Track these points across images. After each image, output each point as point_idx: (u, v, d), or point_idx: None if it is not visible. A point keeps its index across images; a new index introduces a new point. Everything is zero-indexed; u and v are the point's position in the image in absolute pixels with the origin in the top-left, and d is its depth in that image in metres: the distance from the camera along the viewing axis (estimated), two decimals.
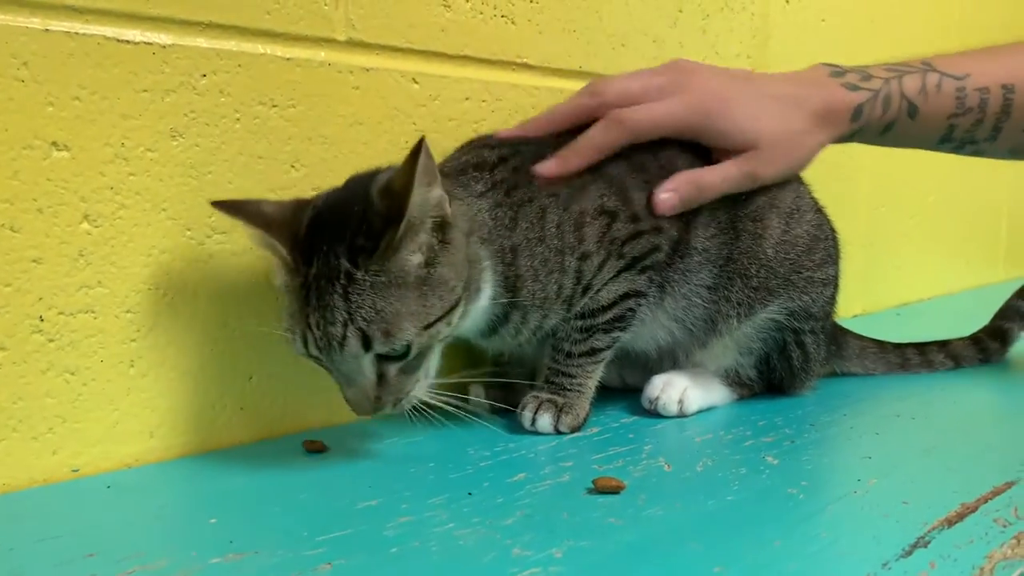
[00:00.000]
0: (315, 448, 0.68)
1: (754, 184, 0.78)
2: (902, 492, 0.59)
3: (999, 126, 0.83)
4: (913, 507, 0.57)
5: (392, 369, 0.62)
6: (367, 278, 0.59)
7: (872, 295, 1.39)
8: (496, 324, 0.71)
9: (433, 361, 0.66)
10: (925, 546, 0.51)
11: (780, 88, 0.80)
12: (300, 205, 0.64)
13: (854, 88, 0.80)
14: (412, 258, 0.61)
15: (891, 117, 0.81)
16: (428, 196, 0.60)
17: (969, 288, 1.64)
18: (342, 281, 0.59)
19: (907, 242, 1.47)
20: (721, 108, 0.76)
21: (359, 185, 0.64)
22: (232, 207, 0.63)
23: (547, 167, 0.72)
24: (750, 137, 0.76)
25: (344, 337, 0.59)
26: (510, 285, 0.70)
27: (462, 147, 0.77)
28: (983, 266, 1.73)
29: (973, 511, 0.56)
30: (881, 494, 0.59)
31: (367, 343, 0.59)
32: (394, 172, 0.61)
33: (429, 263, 0.62)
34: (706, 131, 0.76)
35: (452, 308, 0.63)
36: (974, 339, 1.00)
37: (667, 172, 0.75)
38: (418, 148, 0.58)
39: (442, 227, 0.63)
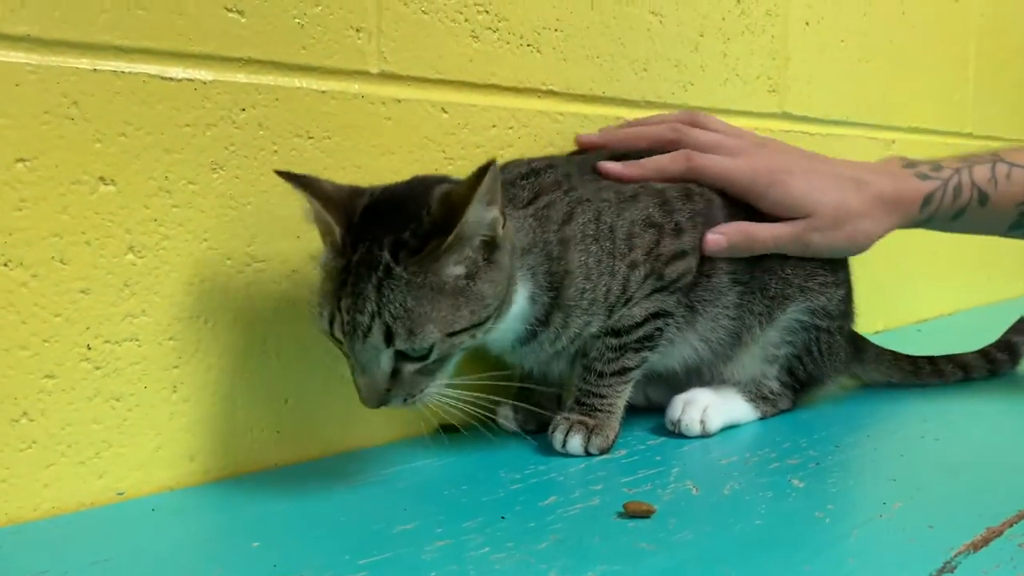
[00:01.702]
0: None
1: (805, 251, 0.82)
2: (927, 516, 0.61)
3: None
4: (938, 531, 0.58)
5: (409, 368, 0.63)
6: (404, 275, 0.60)
7: (894, 311, 1.40)
8: (536, 328, 0.72)
9: (451, 368, 0.66)
10: (951, 571, 0.52)
11: (846, 170, 0.85)
12: (357, 191, 0.66)
13: (924, 178, 0.86)
14: (454, 269, 0.62)
15: (961, 204, 0.87)
16: (484, 215, 0.62)
17: (991, 303, 1.65)
18: (380, 273, 0.60)
19: (929, 257, 1.47)
20: (783, 179, 0.81)
21: (422, 184, 0.66)
22: (296, 178, 0.64)
23: (612, 167, 0.78)
24: (806, 206, 0.81)
25: (369, 328, 0.60)
26: (556, 282, 0.71)
27: (507, 165, 0.78)
28: (1005, 281, 1.73)
29: (998, 535, 0.57)
30: (906, 518, 0.61)
31: (389, 338, 0.60)
32: (459, 184, 0.62)
33: (469, 276, 0.63)
34: (763, 198, 0.81)
35: (481, 323, 0.64)
36: (983, 352, 1.03)
37: (710, 205, 0.80)
38: (485, 168, 0.59)
39: (490, 246, 0.64)
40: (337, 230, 0.63)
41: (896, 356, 0.99)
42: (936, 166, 0.87)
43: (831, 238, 0.82)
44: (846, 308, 0.88)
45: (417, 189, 0.65)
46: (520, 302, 0.69)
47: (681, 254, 0.76)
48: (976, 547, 0.55)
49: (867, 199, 0.83)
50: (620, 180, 0.78)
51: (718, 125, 0.87)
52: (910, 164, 0.88)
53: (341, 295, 0.61)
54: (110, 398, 0.64)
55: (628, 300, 0.75)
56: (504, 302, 0.67)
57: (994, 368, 1.02)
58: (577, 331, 0.74)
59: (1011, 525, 0.59)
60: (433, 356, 0.62)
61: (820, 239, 0.81)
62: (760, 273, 0.82)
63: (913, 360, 0.99)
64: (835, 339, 0.87)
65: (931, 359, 1.00)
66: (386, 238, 0.61)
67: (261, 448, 0.72)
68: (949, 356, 1.01)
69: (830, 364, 0.87)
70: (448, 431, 0.82)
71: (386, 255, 0.61)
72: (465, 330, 0.63)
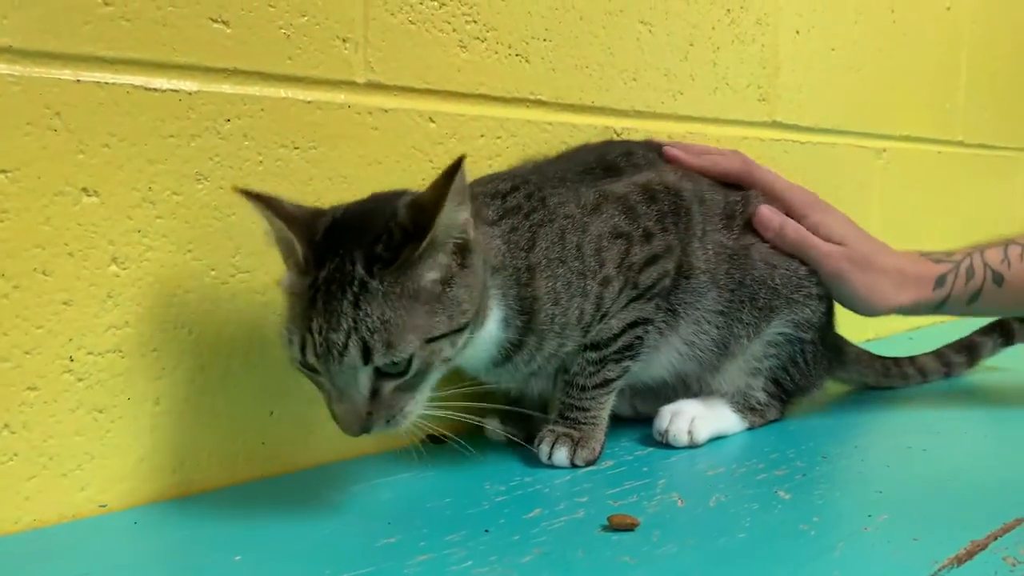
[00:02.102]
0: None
1: (834, 276, 0.86)
2: (912, 528, 0.60)
3: None
4: (923, 544, 0.57)
5: (388, 386, 0.61)
6: (380, 288, 0.59)
7: (884, 319, 1.39)
8: (509, 351, 0.71)
9: (431, 386, 0.64)
10: None
11: (878, 243, 0.90)
12: (319, 212, 0.65)
13: (938, 261, 0.91)
14: (429, 274, 0.61)
15: (976, 286, 0.90)
16: (456, 216, 0.61)
17: None
18: (354, 288, 0.59)
19: None
20: (824, 208, 0.89)
21: (384, 199, 0.65)
22: (257, 197, 0.62)
23: (674, 152, 0.86)
24: (845, 236, 0.87)
25: (345, 346, 0.58)
26: (526, 307, 0.70)
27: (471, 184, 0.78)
28: None
29: (983, 549, 0.57)
30: (892, 530, 0.60)
31: (367, 354, 0.58)
32: (427, 189, 0.61)
33: (444, 282, 0.62)
34: (805, 218, 0.87)
35: (459, 330, 0.63)
36: (937, 353, 1.07)
37: (678, 204, 0.79)
38: (456, 167, 0.58)
39: (463, 250, 0.63)
40: (300, 248, 0.61)
41: (871, 357, 1.02)
42: (948, 253, 0.92)
43: (858, 277, 0.86)
44: (829, 319, 0.89)
45: (379, 203, 0.64)
46: (494, 324, 0.69)
47: (653, 259, 0.76)
48: (960, 560, 0.55)
49: (890, 263, 0.88)
50: (682, 166, 0.84)
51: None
52: (924, 253, 0.93)
53: (312, 315, 0.59)
54: (92, 410, 0.63)
55: (604, 316, 0.74)
56: (480, 310, 0.66)
57: (948, 371, 1.06)
58: (552, 352, 0.73)
59: (996, 538, 0.58)
60: (413, 369, 0.60)
61: (850, 272, 0.86)
62: (750, 283, 0.82)
63: (883, 362, 1.03)
64: (819, 348, 0.87)
65: (896, 361, 1.04)
66: (357, 252, 0.60)
67: (245, 460, 0.71)
68: (910, 359, 1.05)
69: (815, 373, 0.88)
70: (434, 442, 0.82)
71: (359, 270, 0.59)
72: (444, 336, 0.62)
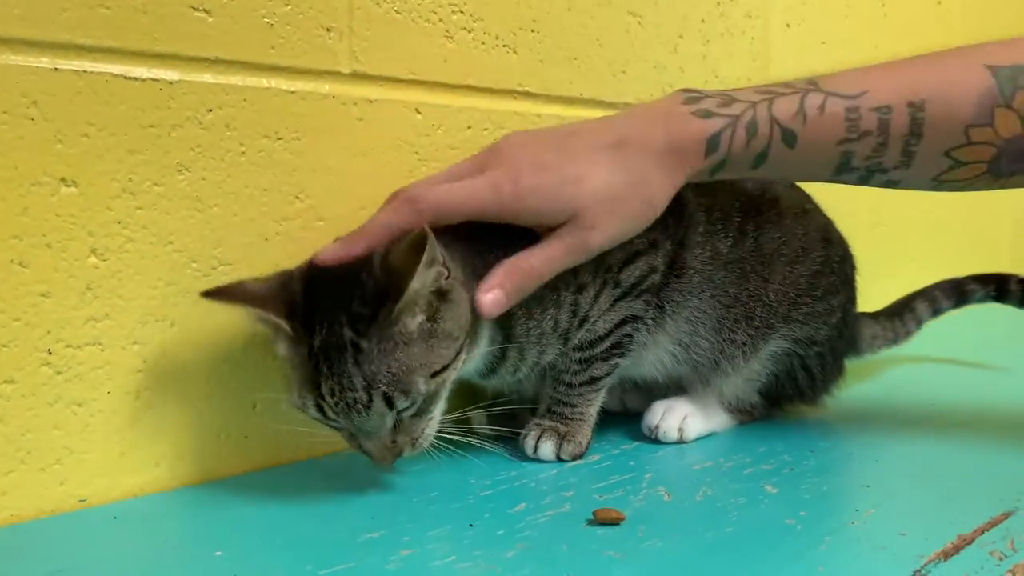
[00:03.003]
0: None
1: (589, 255, 0.68)
2: (899, 523, 0.60)
3: (910, 150, 0.69)
4: (910, 538, 0.57)
5: (406, 415, 0.63)
6: (373, 346, 0.60)
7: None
8: (494, 364, 0.72)
9: (442, 403, 0.66)
10: None
11: (604, 135, 0.68)
12: (286, 277, 0.65)
13: (707, 116, 0.68)
14: (414, 321, 0.61)
15: (760, 146, 0.69)
16: (427, 278, 0.61)
17: None
18: (351, 351, 0.60)
19: (908, 259, 1.47)
20: (530, 184, 0.65)
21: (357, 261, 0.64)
22: (225, 295, 0.63)
23: (327, 252, 0.65)
24: (568, 206, 0.66)
25: (369, 400, 0.60)
26: (504, 323, 0.70)
27: None
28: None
29: (970, 543, 0.57)
30: (878, 525, 0.60)
31: (390, 402, 0.61)
32: (401, 245, 0.61)
33: (432, 319, 0.62)
34: (519, 213, 0.66)
35: (457, 355, 0.64)
36: (928, 297, 1.07)
37: None
38: (422, 241, 0.58)
39: (440, 292, 0.63)
40: (283, 323, 0.62)
41: (883, 329, 1.02)
42: (727, 100, 0.69)
43: (610, 228, 0.67)
44: (840, 331, 0.85)
45: (356, 262, 0.64)
46: (481, 340, 0.69)
47: (634, 256, 0.74)
48: (947, 555, 0.55)
49: (636, 164, 0.67)
50: (343, 261, 0.64)
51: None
52: (693, 99, 0.70)
53: (320, 381, 0.61)
54: (71, 403, 0.63)
55: (583, 321, 0.73)
56: (469, 332, 0.65)
57: (936, 313, 1.06)
58: (535, 360, 0.73)
59: (983, 532, 0.58)
60: (423, 400, 0.63)
61: (601, 236, 0.67)
62: (747, 299, 0.78)
63: (893, 328, 1.03)
64: (825, 361, 0.84)
65: (902, 320, 1.04)
66: (341, 315, 0.61)
67: (229, 454, 0.71)
68: (908, 311, 1.05)
69: (817, 386, 0.86)
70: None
71: (348, 331, 0.60)
72: (447, 367, 0.63)
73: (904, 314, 1.05)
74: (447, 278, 0.63)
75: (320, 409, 0.62)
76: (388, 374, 0.60)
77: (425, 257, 0.59)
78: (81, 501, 0.63)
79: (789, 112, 0.68)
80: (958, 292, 1.07)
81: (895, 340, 1.03)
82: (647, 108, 0.71)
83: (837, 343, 0.86)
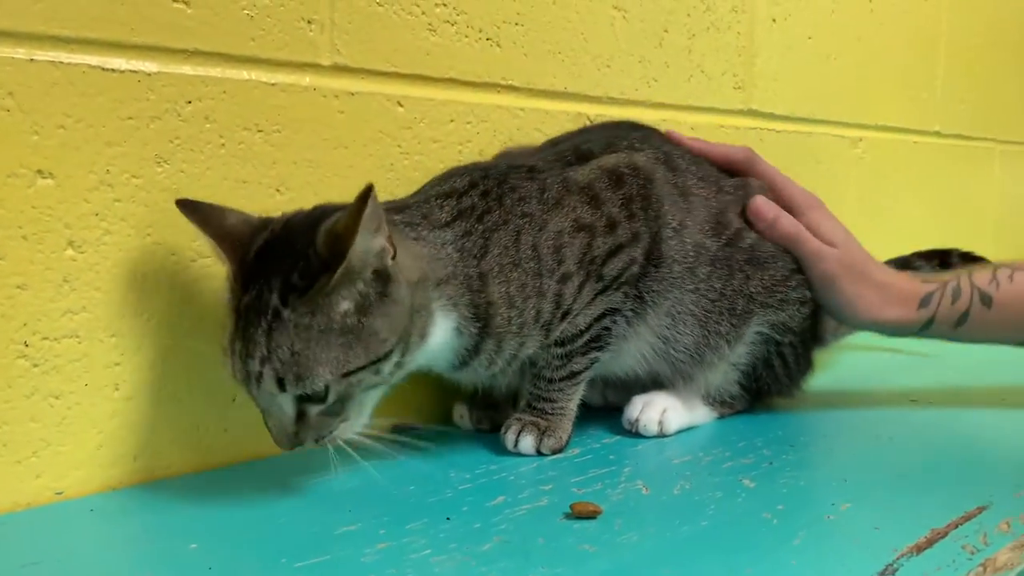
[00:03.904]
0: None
1: (823, 276, 0.84)
2: (874, 517, 0.60)
3: None
4: (884, 533, 0.57)
5: (313, 410, 0.61)
6: (292, 318, 0.58)
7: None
8: (467, 356, 0.71)
9: (367, 405, 0.64)
10: (893, 573, 0.52)
11: (869, 255, 0.89)
12: (261, 226, 0.63)
13: (925, 280, 0.89)
14: (343, 305, 0.59)
15: (963, 307, 0.86)
16: (370, 244, 0.59)
17: None
18: (269, 317, 0.58)
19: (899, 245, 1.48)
20: (822, 211, 0.88)
21: (316, 219, 0.62)
22: (192, 209, 0.62)
23: (677, 134, 0.87)
24: (837, 238, 0.86)
25: (260, 374, 0.58)
26: (481, 313, 0.69)
27: (435, 178, 0.75)
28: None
29: (943, 536, 0.57)
30: (854, 519, 0.60)
31: (281, 384, 0.59)
32: (342, 215, 0.59)
33: (360, 311, 0.60)
34: (802, 215, 0.86)
35: (380, 359, 0.61)
36: None
37: (649, 186, 0.76)
38: (365, 195, 0.56)
39: (382, 278, 0.61)
40: (231, 268, 0.61)
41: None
42: (937, 275, 0.93)
43: (847, 282, 0.84)
44: (811, 323, 0.86)
45: (310, 224, 0.62)
46: (444, 334, 0.67)
47: (617, 249, 0.73)
48: (920, 549, 0.55)
49: (880, 275, 0.87)
50: (682, 145, 0.85)
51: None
52: (914, 272, 0.95)
53: (235, 339, 0.59)
54: (48, 396, 0.62)
55: (566, 313, 0.73)
56: (411, 335, 0.64)
57: None
58: (512, 353, 0.72)
59: (957, 526, 0.59)
60: (331, 398, 0.60)
61: (840, 276, 0.84)
62: (730, 293, 0.79)
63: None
64: (798, 352, 0.85)
65: None
66: (275, 279, 0.59)
67: (208, 447, 0.71)
68: None
69: (793, 376, 0.86)
70: (402, 430, 0.81)
71: (275, 297, 0.58)
72: (361, 368, 0.60)
73: None
74: (392, 258, 0.61)
75: (232, 368, 0.60)
76: (288, 352, 0.58)
77: (367, 210, 0.56)
78: (58, 494, 0.63)
79: (985, 280, 0.87)
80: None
81: None
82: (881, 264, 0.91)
83: (807, 337, 0.87)
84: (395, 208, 0.69)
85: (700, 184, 0.82)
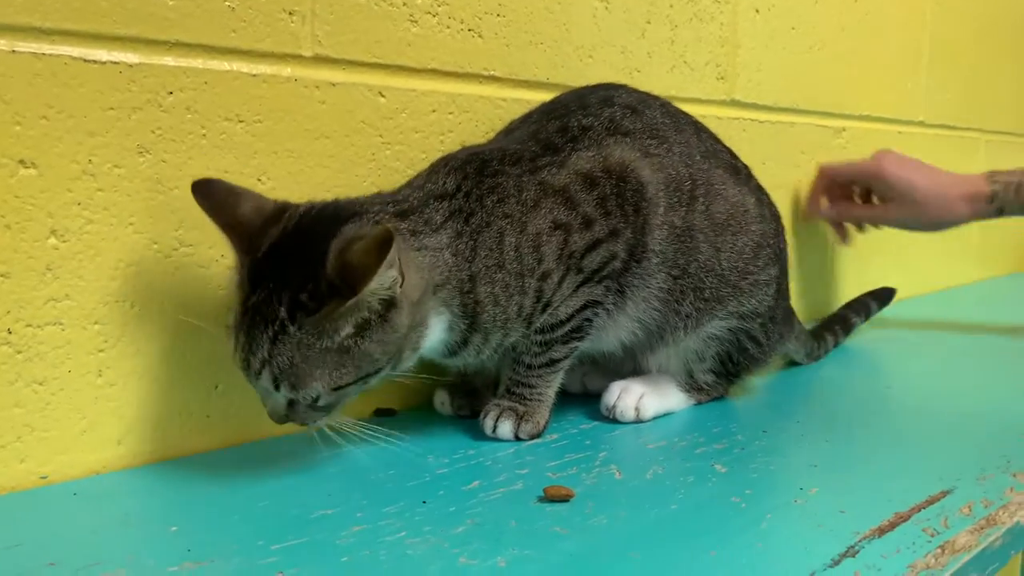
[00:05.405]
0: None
1: (913, 210, 1.17)
2: (841, 501, 0.62)
3: None
4: (849, 516, 0.59)
5: (302, 403, 0.64)
6: (297, 335, 0.61)
7: (843, 301, 1.41)
8: (456, 348, 0.73)
9: (353, 400, 0.68)
10: (853, 556, 0.53)
11: (943, 174, 1.19)
12: (274, 217, 0.65)
13: (993, 183, 1.16)
14: (346, 329, 0.62)
15: None
16: (385, 280, 0.61)
17: (940, 289, 1.67)
18: (275, 327, 0.61)
19: (876, 249, 1.49)
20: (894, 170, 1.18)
21: (331, 222, 0.64)
22: (205, 194, 0.64)
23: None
24: (908, 190, 1.17)
25: (260, 371, 0.62)
26: (469, 312, 0.71)
27: (428, 169, 0.76)
28: (955, 267, 1.75)
29: (905, 520, 0.59)
30: (820, 503, 0.62)
31: (277, 384, 0.62)
32: (358, 242, 0.60)
33: (360, 334, 0.62)
34: (877, 181, 1.20)
35: (369, 375, 0.65)
36: (829, 328, 1.13)
37: (623, 186, 0.77)
38: (386, 241, 0.58)
39: (388, 304, 0.63)
40: (240, 262, 0.64)
41: (807, 338, 1.05)
42: (1008, 174, 1.16)
43: (925, 217, 1.17)
44: (778, 299, 0.88)
45: (326, 228, 0.64)
46: (436, 333, 0.70)
47: (595, 244, 0.75)
48: (882, 532, 0.57)
49: (957, 195, 1.16)
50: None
51: None
52: (989, 175, 1.17)
53: (240, 331, 0.63)
54: (32, 382, 0.63)
55: (547, 305, 0.74)
56: (404, 351, 0.67)
57: (827, 347, 1.11)
58: (498, 343, 0.74)
59: (920, 510, 0.60)
60: (321, 404, 0.64)
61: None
62: (695, 271, 0.79)
63: (813, 344, 1.06)
64: (768, 327, 0.87)
65: (818, 343, 1.07)
66: (284, 292, 0.61)
67: (191, 433, 0.72)
68: (821, 340, 1.09)
69: (765, 350, 0.88)
70: (383, 414, 0.83)
71: (283, 311, 0.61)
72: (352, 383, 0.64)
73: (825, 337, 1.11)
74: (400, 285, 0.63)
75: (233, 352, 0.64)
76: (288, 363, 0.61)
77: (388, 257, 0.59)
78: (42, 478, 0.65)
79: None
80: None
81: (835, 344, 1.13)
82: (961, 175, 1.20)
83: (778, 312, 0.89)
84: (398, 212, 0.68)
85: (684, 162, 0.81)
